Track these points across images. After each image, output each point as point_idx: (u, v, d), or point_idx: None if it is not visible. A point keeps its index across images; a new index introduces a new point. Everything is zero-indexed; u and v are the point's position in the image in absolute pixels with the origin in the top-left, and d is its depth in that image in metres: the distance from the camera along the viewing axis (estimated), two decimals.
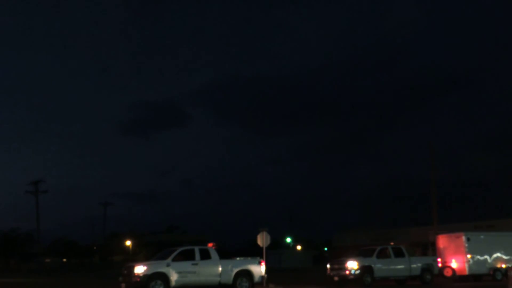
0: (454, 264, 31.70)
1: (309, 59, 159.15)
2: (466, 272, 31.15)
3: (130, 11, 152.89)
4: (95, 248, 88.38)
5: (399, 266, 27.91)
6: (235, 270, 22.05)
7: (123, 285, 20.62)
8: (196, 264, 21.28)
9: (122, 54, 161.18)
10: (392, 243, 31.92)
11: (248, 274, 22.29)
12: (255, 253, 30.72)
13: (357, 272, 26.36)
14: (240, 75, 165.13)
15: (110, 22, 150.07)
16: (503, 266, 31.14)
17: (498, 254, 31.97)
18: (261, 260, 23.36)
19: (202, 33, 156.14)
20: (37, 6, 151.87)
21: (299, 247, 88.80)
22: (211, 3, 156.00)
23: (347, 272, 26.45)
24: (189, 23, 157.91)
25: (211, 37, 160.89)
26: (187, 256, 21.43)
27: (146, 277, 20.10)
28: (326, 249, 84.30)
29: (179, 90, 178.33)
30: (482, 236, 33.02)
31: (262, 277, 22.96)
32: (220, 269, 21.73)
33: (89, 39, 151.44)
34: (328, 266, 28.34)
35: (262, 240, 27.86)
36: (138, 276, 20.12)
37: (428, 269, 28.69)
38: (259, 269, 22.74)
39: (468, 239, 31.55)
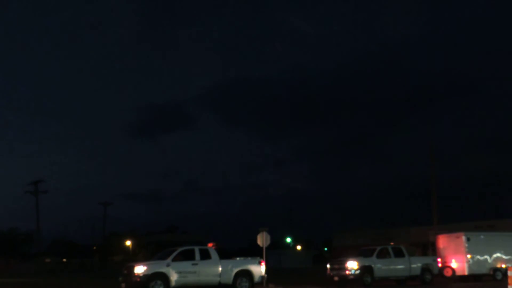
0: (454, 264, 31.67)
1: (312, 62, 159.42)
2: (466, 272, 31.11)
3: (138, 15, 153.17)
4: (95, 248, 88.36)
5: (399, 266, 27.89)
6: (235, 270, 22.06)
7: (123, 285, 20.64)
8: (196, 264, 21.28)
9: (127, 55, 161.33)
10: (392, 243, 31.88)
11: (248, 274, 22.30)
12: (255, 253, 30.69)
13: (357, 272, 26.35)
14: (243, 77, 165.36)
15: (118, 25, 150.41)
16: (503, 266, 31.08)
17: (498, 254, 31.93)
18: (261, 260, 23.36)
19: (207, 36, 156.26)
20: (44, 6, 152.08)
21: (299, 247, 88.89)
22: (217, 5, 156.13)
23: (347, 272, 26.44)
24: (195, 26, 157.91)
25: (216, 40, 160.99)
26: (187, 256, 21.43)
27: (146, 277, 20.11)
28: (326, 249, 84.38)
29: (183, 92, 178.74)
30: (482, 236, 32.97)
31: (262, 277, 22.97)
32: (220, 269, 21.73)
33: (94, 40, 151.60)
34: (328, 266, 28.33)
35: (262, 240, 27.85)
36: (138, 276, 20.13)
37: (428, 269, 28.68)
38: (259, 269, 22.75)
39: (468, 239, 31.52)
